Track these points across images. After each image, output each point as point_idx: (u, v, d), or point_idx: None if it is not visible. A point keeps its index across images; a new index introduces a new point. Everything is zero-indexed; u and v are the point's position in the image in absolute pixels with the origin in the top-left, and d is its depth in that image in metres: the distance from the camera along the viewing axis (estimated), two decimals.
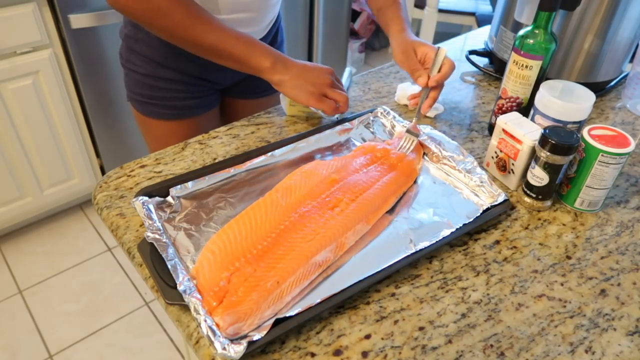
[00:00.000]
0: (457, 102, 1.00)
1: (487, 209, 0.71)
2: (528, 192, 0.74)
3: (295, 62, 0.83)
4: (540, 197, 0.74)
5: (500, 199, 0.72)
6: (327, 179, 0.72)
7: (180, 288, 0.55)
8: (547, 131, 0.69)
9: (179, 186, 0.71)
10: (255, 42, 0.82)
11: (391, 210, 0.72)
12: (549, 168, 0.70)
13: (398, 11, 0.93)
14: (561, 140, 0.68)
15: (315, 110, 0.89)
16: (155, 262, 0.59)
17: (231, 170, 0.75)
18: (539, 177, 0.72)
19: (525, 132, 0.73)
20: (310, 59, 2.32)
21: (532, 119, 0.78)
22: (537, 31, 0.77)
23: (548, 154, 0.69)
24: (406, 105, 0.98)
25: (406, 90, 0.97)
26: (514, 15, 0.96)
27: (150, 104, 1.00)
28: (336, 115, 0.88)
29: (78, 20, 1.53)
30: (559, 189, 0.77)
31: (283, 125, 0.90)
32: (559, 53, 0.97)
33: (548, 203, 0.75)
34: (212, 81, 1.02)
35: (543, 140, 0.69)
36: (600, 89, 1.02)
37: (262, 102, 1.12)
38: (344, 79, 1.03)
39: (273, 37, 1.07)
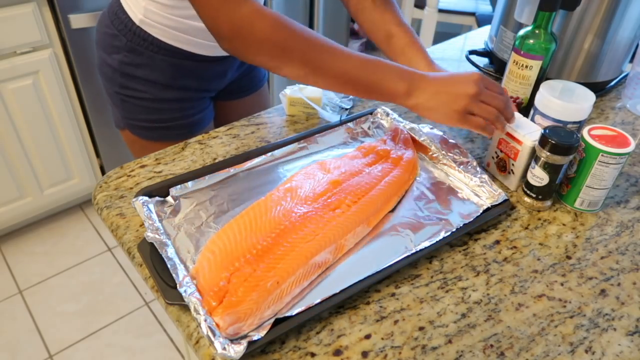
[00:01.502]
0: None
1: (487, 209, 0.71)
2: (528, 192, 0.74)
3: (432, 78, 0.72)
4: (540, 197, 0.74)
5: (501, 199, 0.72)
6: (328, 180, 0.72)
7: (180, 288, 0.55)
8: (547, 131, 0.69)
9: (179, 186, 0.71)
10: (385, 66, 0.72)
11: (392, 210, 0.72)
12: (549, 168, 0.70)
13: (421, 49, 0.84)
14: (561, 140, 0.68)
15: (318, 109, 0.89)
16: (155, 262, 0.59)
17: (231, 170, 0.75)
18: (539, 177, 0.72)
19: (525, 132, 0.73)
20: None
21: (532, 119, 0.78)
22: (537, 31, 0.78)
23: (548, 154, 0.69)
24: None
25: None
26: (514, 15, 0.96)
27: (158, 128, 0.96)
28: (339, 117, 0.88)
29: (78, 20, 1.53)
30: (559, 189, 0.77)
31: (283, 125, 0.90)
32: (559, 53, 0.97)
33: (548, 203, 0.75)
34: (211, 89, 1.01)
35: (543, 140, 0.69)
36: (600, 89, 1.02)
37: (250, 99, 1.12)
38: None
39: None
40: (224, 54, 0.94)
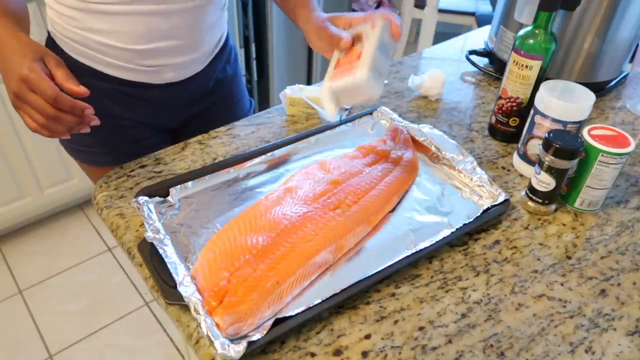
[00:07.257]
0: (457, 102, 1.00)
1: (488, 208, 0.71)
2: (532, 196, 0.74)
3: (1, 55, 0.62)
4: (546, 201, 0.73)
5: (501, 199, 0.72)
6: (328, 180, 0.72)
7: (180, 288, 0.55)
8: (550, 135, 0.69)
9: (179, 186, 0.71)
10: None
11: (392, 210, 0.72)
12: (555, 172, 0.70)
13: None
14: (565, 144, 0.67)
15: (318, 109, 0.89)
16: (155, 262, 0.59)
17: (231, 170, 0.75)
18: (545, 182, 0.71)
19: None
20: (310, 58, 2.32)
21: (532, 119, 0.78)
22: (537, 31, 0.77)
23: (552, 158, 0.69)
24: (425, 97, 0.99)
25: (417, 79, 0.99)
26: (514, 15, 0.96)
27: (85, 152, 0.89)
28: (338, 117, 0.88)
29: None
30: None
31: (283, 125, 0.90)
32: (559, 53, 0.97)
33: (553, 207, 0.74)
34: (152, 124, 0.91)
35: (546, 145, 0.69)
36: (600, 89, 1.02)
37: None
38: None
39: (222, 69, 0.96)
40: (148, 80, 0.84)
